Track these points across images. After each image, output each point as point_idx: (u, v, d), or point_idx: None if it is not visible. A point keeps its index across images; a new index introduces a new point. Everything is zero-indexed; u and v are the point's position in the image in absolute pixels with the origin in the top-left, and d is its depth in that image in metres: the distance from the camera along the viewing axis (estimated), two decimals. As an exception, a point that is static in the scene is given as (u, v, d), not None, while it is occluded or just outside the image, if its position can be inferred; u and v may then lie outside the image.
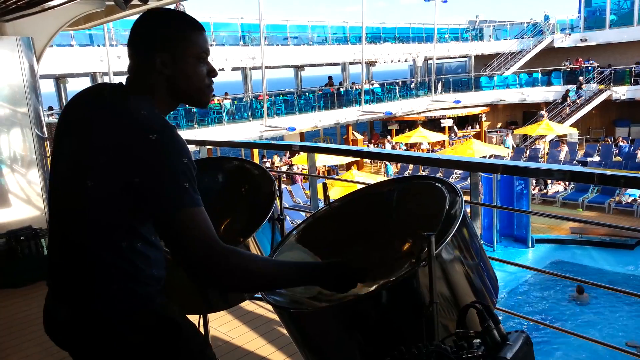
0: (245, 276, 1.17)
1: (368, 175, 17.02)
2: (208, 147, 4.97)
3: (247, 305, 3.57)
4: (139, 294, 1.24)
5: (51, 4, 3.62)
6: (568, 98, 24.90)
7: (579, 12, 28.72)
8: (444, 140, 25.04)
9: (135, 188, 1.14)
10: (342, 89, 25.03)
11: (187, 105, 1.39)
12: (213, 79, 1.36)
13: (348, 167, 20.88)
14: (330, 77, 25.39)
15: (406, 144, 23.78)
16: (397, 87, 27.20)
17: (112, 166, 1.15)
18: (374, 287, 1.45)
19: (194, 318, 1.98)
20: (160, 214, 1.14)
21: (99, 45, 17.29)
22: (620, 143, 22.29)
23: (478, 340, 1.11)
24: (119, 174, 1.15)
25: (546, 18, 29.40)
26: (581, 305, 10.06)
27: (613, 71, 24.89)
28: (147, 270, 1.25)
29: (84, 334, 1.25)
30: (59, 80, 19.90)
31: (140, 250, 1.23)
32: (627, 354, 2.35)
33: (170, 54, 1.26)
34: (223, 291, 1.26)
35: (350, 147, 17.23)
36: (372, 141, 26.67)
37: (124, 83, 1.31)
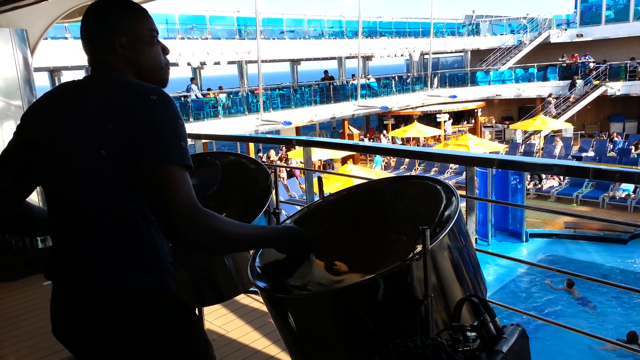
0: (220, 237, 1.20)
1: (364, 170, 17.02)
2: (204, 140, 4.96)
3: (242, 299, 3.57)
4: (158, 280, 1.26)
5: (45, -5, 3.58)
6: (576, 85, 24.93)
7: (575, 8, 28.77)
8: (439, 135, 25.08)
9: (136, 143, 1.16)
10: (338, 83, 24.99)
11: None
12: (167, 56, 1.43)
13: (344, 161, 20.87)
14: (326, 72, 25.32)
15: (402, 139, 23.80)
16: (393, 82, 27.16)
17: (121, 130, 1.17)
18: (366, 278, 1.45)
19: (189, 312, 1.99)
20: (154, 163, 1.15)
21: (93, 38, 17.14)
22: (615, 138, 22.40)
23: (474, 333, 1.11)
24: (127, 136, 1.16)
25: (524, 27, 29.54)
26: (575, 299, 10.13)
27: (608, 67, 24.96)
28: (163, 245, 1.28)
29: (97, 330, 1.23)
30: (54, 73, 19.77)
31: (153, 221, 1.25)
32: (619, 347, 2.37)
33: (127, 36, 1.31)
34: (197, 251, 1.31)
35: (346, 141, 17.21)
36: (368, 136, 26.66)
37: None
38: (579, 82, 24.93)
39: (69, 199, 1.25)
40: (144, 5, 1.38)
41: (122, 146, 1.16)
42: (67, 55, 16.22)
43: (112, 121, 1.17)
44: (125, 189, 1.20)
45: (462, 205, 1.58)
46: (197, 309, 2.15)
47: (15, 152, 1.36)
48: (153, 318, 1.25)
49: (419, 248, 1.18)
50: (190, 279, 1.88)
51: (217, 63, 20.75)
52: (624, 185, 15.22)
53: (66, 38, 16.74)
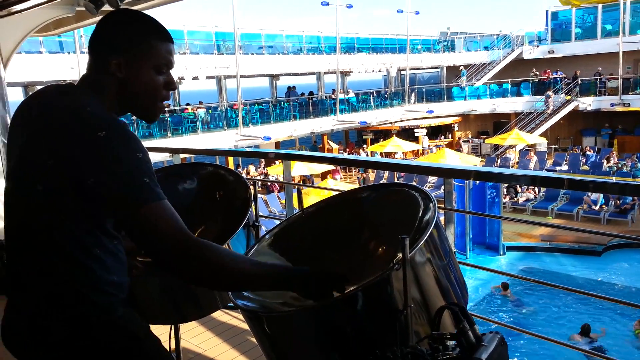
0: (217, 272, 1.14)
1: (345, 185, 17.06)
2: (182, 155, 4.91)
3: (219, 315, 3.51)
4: (98, 304, 1.19)
5: (18, 7, 3.53)
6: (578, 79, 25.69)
7: (546, 25, 29.64)
8: (417, 150, 25.36)
9: (91, 189, 1.09)
10: (317, 98, 25.16)
11: (134, 116, 1.37)
12: (170, 92, 1.30)
13: (323, 176, 20.90)
14: (289, 87, 25.40)
15: (381, 153, 24.00)
16: (371, 97, 27.47)
17: (61, 168, 1.11)
18: (346, 291, 1.44)
19: (165, 329, 1.94)
20: (122, 213, 1.11)
21: (69, 53, 16.96)
22: (588, 152, 22.99)
23: (453, 342, 1.11)
24: (69, 175, 1.10)
25: (498, 43, 30.34)
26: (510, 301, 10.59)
27: (579, 82, 25.70)
28: (106, 277, 1.19)
29: (41, 346, 1.19)
30: (28, 88, 19.39)
31: (97, 255, 1.18)
32: (595, 356, 2.40)
33: (125, 57, 1.21)
34: (196, 285, 1.25)
35: (326, 154, 17.25)
36: (348, 150, 26.82)
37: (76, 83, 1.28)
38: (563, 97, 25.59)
39: (14, 219, 1.22)
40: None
41: (63, 186, 1.11)
42: (42, 70, 15.88)
43: (53, 158, 1.11)
44: (62, 223, 1.14)
45: (441, 218, 1.59)
46: (172, 326, 2.10)
47: None
48: (95, 344, 1.19)
49: (399, 256, 1.18)
50: (168, 293, 1.84)
51: (196, 78, 20.69)
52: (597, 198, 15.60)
53: (41, 52, 16.48)
